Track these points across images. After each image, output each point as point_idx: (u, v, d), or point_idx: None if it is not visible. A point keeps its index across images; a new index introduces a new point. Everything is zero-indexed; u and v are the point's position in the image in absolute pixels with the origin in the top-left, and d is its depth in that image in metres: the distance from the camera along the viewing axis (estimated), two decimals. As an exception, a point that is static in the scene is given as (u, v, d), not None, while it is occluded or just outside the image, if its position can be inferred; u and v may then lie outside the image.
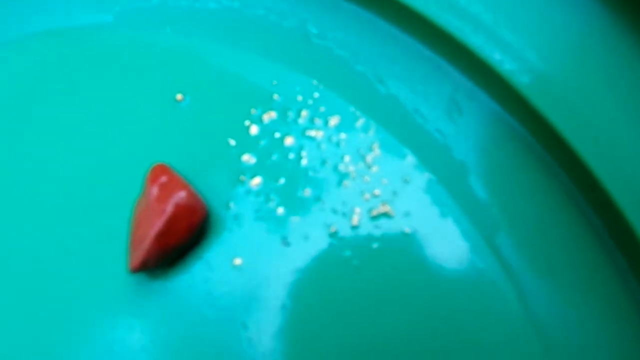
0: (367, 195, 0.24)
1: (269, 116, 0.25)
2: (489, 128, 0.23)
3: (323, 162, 0.24)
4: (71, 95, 0.26)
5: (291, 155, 0.25)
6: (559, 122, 0.21)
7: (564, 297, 0.22)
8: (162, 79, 0.26)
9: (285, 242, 0.23)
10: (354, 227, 0.23)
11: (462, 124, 0.24)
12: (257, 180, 0.24)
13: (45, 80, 0.26)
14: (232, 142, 0.25)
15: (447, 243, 0.23)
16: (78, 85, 0.26)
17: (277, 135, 0.25)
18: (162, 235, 0.22)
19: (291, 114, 0.25)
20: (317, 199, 0.24)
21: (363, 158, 0.24)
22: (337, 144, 0.25)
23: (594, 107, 0.21)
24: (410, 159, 0.24)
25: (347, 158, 0.24)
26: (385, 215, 0.23)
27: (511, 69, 0.22)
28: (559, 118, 0.21)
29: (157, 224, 0.22)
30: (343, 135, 0.25)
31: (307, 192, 0.24)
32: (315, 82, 0.25)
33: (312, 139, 0.25)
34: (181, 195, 0.22)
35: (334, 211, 0.24)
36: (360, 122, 0.25)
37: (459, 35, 0.22)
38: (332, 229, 0.23)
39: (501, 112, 0.23)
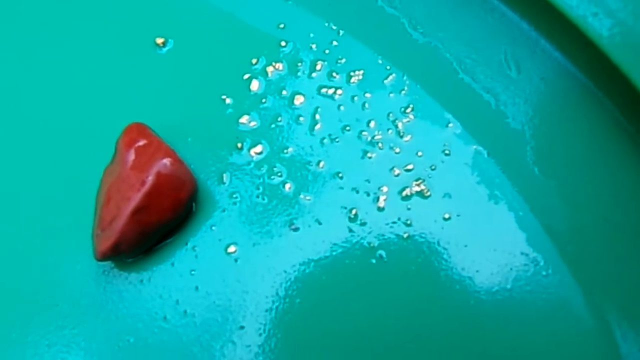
0: (398, 171, 0.23)
1: (275, 69, 0.25)
2: (554, 89, 0.23)
3: (343, 129, 0.24)
4: (24, 39, 0.26)
5: (302, 119, 0.24)
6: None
7: None
8: (138, 18, 0.25)
9: (294, 226, 0.23)
10: (380, 210, 0.23)
11: (521, 83, 0.23)
12: (258, 149, 0.24)
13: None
14: (228, 100, 0.24)
15: (497, 232, 0.22)
16: (31, 27, 0.26)
17: (285, 92, 0.24)
18: (139, 212, 0.21)
19: (303, 67, 0.24)
20: (335, 174, 0.23)
21: (394, 124, 0.24)
22: (361, 106, 0.24)
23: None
24: (453, 126, 0.23)
25: (373, 124, 0.24)
26: (420, 195, 0.23)
27: (586, 15, 0.21)
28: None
29: (134, 198, 0.21)
30: (369, 95, 0.24)
31: (322, 165, 0.23)
32: (333, 26, 0.25)
33: (329, 98, 0.24)
34: (165, 163, 0.21)
35: (355, 190, 0.23)
36: (390, 79, 0.24)
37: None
38: (353, 212, 0.23)
39: (570, 69, 0.23)
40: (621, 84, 0.21)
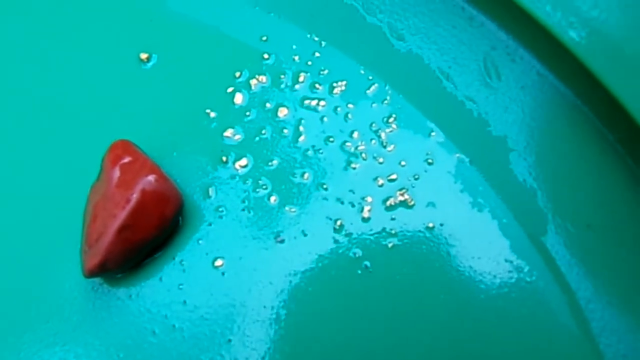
0: (382, 181, 0.24)
1: (258, 81, 0.25)
2: (533, 96, 0.23)
3: (326, 140, 0.24)
4: (6, 57, 0.26)
5: (286, 131, 0.24)
6: (620, 89, 0.21)
7: (625, 313, 0.22)
8: (121, 33, 0.26)
9: (279, 238, 0.23)
10: (365, 220, 0.23)
11: (501, 91, 0.24)
12: (243, 162, 0.24)
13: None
14: (212, 114, 0.25)
15: (481, 240, 0.23)
16: (14, 44, 0.26)
17: (269, 105, 0.25)
18: (125, 229, 0.21)
19: (286, 79, 0.25)
20: (319, 185, 0.24)
21: (377, 134, 0.24)
22: (344, 117, 0.24)
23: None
24: (436, 135, 0.24)
25: (356, 134, 0.24)
26: (404, 205, 0.23)
27: (563, 23, 0.22)
28: (619, 83, 0.21)
29: (120, 216, 0.21)
30: (351, 106, 0.24)
31: (307, 176, 0.24)
32: (315, 37, 0.25)
33: (312, 110, 0.24)
34: (149, 179, 0.22)
35: (340, 200, 0.23)
36: (373, 89, 0.24)
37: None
38: (338, 223, 0.23)
39: (549, 77, 0.23)
40: (597, 92, 0.21)
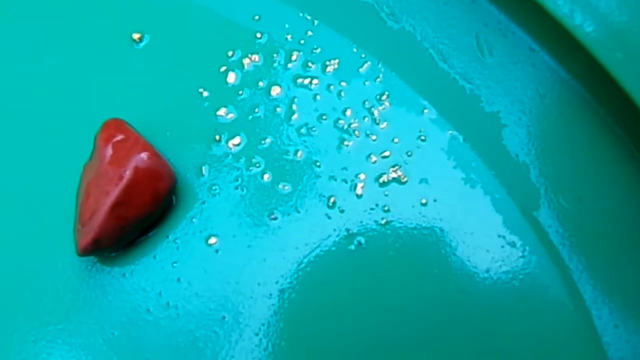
0: (375, 158, 0.24)
1: (251, 60, 0.25)
2: (525, 71, 0.23)
3: (319, 118, 0.24)
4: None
5: (279, 109, 0.24)
6: (611, 63, 0.21)
7: (616, 284, 0.22)
8: (114, 13, 0.26)
9: (273, 216, 0.23)
10: (358, 197, 0.23)
11: (493, 67, 0.24)
12: (236, 140, 0.24)
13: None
14: (205, 93, 0.25)
15: (473, 216, 0.23)
16: (6, 24, 0.26)
17: (262, 84, 0.25)
18: (118, 206, 0.21)
19: (279, 58, 0.25)
20: (312, 163, 0.24)
21: (370, 112, 0.24)
22: (337, 95, 0.24)
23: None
24: (429, 112, 0.24)
25: (349, 112, 0.24)
26: (397, 181, 0.23)
27: (555, -3, 0.22)
28: (610, 57, 0.21)
29: (112, 193, 0.21)
30: (344, 84, 0.24)
31: (300, 154, 0.24)
32: (308, 16, 0.25)
33: (305, 88, 0.25)
34: (142, 157, 0.22)
35: (333, 178, 0.24)
36: (365, 67, 0.25)
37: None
38: (331, 200, 0.23)
39: (540, 52, 0.23)
40: (588, 66, 0.21)
